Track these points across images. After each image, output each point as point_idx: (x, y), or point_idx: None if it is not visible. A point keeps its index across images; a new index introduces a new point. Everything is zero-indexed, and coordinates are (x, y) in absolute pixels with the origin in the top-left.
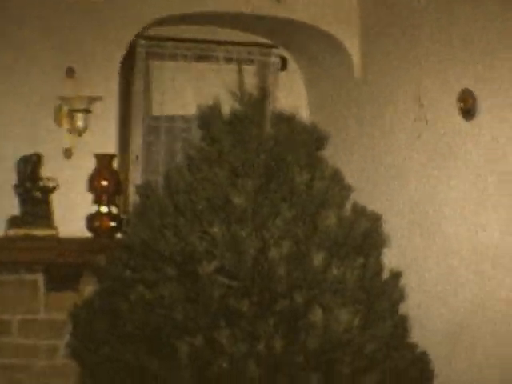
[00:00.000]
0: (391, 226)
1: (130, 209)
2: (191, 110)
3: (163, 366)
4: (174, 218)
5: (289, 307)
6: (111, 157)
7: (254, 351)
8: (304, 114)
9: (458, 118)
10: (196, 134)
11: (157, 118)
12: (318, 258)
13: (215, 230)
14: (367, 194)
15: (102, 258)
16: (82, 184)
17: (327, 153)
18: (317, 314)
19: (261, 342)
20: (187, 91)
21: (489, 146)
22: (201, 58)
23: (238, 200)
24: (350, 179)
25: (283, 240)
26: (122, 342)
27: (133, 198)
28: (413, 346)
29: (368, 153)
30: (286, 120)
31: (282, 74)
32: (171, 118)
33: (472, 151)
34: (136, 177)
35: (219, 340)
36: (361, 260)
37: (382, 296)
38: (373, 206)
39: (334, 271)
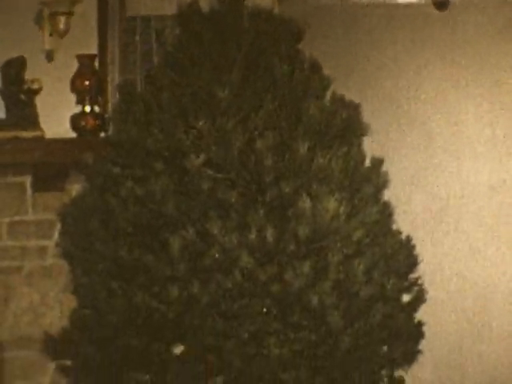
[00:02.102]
0: (370, 114)
1: (111, 108)
2: (167, 11)
3: (156, 260)
4: (159, 115)
5: (277, 197)
6: (92, 57)
7: (245, 241)
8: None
9: None
10: (171, 33)
11: (133, 19)
12: (302, 148)
13: (201, 124)
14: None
15: (89, 156)
16: (65, 85)
17: None
18: (305, 203)
19: (252, 232)
20: None
21: None
22: None
23: (221, 94)
24: (328, 70)
25: (268, 131)
26: (114, 238)
27: (112, 98)
28: (397, 232)
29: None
30: (264, 14)
31: None
32: (147, 18)
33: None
34: (114, 77)
35: (211, 231)
36: (344, 148)
37: (365, 183)
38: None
39: (319, 160)
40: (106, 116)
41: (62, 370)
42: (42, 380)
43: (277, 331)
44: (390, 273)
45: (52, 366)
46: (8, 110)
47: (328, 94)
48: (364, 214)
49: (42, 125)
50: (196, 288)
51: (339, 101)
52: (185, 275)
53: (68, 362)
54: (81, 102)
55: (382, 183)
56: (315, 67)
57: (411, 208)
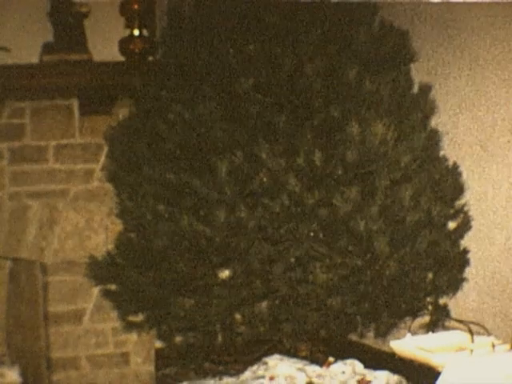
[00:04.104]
0: (420, 41)
1: (158, 32)
2: None
3: (203, 184)
4: (208, 38)
5: (326, 121)
6: None
7: (293, 165)
8: None
9: None
10: None
11: None
12: (351, 73)
13: (250, 47)
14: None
15: (137, 79)
16: (114, 9)
17: None
18: (353, 127)
19: (300, 156)
20: None
21: None
22: None
23: (271, 18)
24: None
25: (317, 56)
26: (161, 162)
27: (161, 22)
28: (444, 159)
29: None
30: None
31: None
32: None
33: None
34: (162, 1)
35: (258, 155)
36: (392, 74)
37: (413, 109)
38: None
39: (368, 85)
40: (155, 39)
41: (106, 294)
42: (86, 304)
43: (323, 256)
44: (436, 199)
45: (96, 290)
46: (56, 33)
47: (377, 20)
48: (411, 139)
49: (90, 48)
50: (243, 212)
51: (387, 27)
52: (232, 199)
53: (112, 287)
54: (129, 25)
55: (429, 110)
56: None
57: (458, 136)
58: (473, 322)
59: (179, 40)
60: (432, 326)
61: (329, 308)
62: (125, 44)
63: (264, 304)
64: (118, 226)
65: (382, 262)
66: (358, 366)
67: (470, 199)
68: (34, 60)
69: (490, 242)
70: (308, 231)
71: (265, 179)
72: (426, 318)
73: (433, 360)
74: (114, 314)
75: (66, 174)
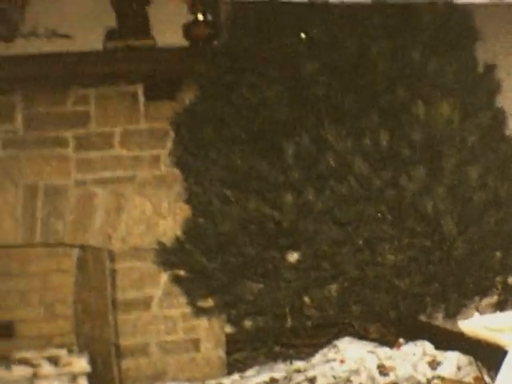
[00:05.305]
0: (484, 21)
1: (222, 16)
2: None
3: (270, 167)
4: (273, 22)
5: (391, 102)
6: None
7: (359, 146)
8: None
9: None
10: None
11: None
12: (416, 53)
13: (315, 31)
14: None
15: (201, 64)
16: None
17: None
18: (419, 107)
19: (366, 137)
20: None
21: None
22: None
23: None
24: None
25: (381, 37)
26: (228, 146)
27: (224, 6)
28: (510, 138)
29: None
30: None
31: None
32: None
33: None
34: None
35: (325, 137)
36: (456, 54)
37: (478, 88)
38: None
39: (432, 65)
40: (219, 24)
41: (175, 280)
42: (155, 291)
43: (391, 237)
44: (503, 178)
45: (164, 276)
46: (119, 19)
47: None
48: (477, 119)
49: (155, 33)
50: (310, 194)
51: (452, 6)
52: (299, 182)
53: (181, 272)
54: (193, 10)
55: (494, 89)
56: None
57: None
58: None
59: (243, 24)
60: (500, 306)
61: (397, 289)
62: (189, 29)
63: (333, 287)
64: (185, 211)
65: (449, 243)
66: (429, 347)
67: None
68: (98, 47)
69: None
70: (375, 212)
71: (331, 161)
72: (495, 298)
73: (501, 339)
74: (183, 299)
75: (133, 161)
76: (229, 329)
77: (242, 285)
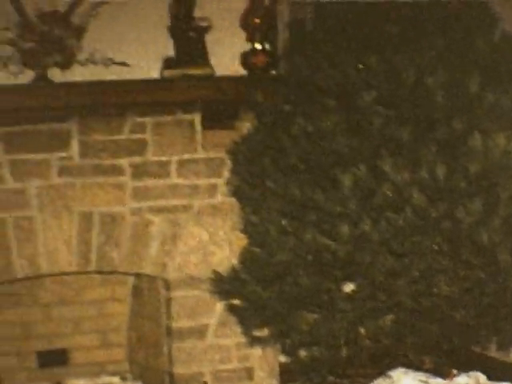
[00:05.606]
0: None
1: (280, 46)
2: None
3: (327, 197)
4: (330, 52)
5: (448, 134)
6: None
7: (416, 178)
8: None
9: None
10: None
11: None
12: (473, 85)
13: (372, 60)
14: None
15: (259, 93)
16: (235, 23)
17: None
18: (476, 139)
19: (423, 169)
20: None
21: None
22: None
23: (393, 29)
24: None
25: (438, 68)
26: (285, 176)
27: (282, 35)
28: None
29: None
30: None
31: None
32: None
33: None
34: (283, 15)
35: (382, 169)
36: None
37: None
38: None
39: (490, 97)
40: (277, 53)
41: (230, 309)
42: (210, 319)
43: (447, 269)
44: None
45: (219, 305)
46: (177, 47)
47: (497, 31)
48: None
49: (212, 62)
50: (367, 226)
51: (508, 37)
52: (356, 212)
53: (236, 301)
54: (251, 39)
55: None
56: (483, 4)
57: None
58: None
59: (301, 53)
60: None
61: (452, 320)
62: (247, 58)
63: (388, 317)
64: (241, 240)
65: (505, 274)
66: (482, 377)
67: None
68: (155, 75)
69: None
70: (432, 244)
71: (388, 192)
72: None
73: None
74: (238, 328)
75: (189, 189)
76: (283, 358)
77: (297, 315)
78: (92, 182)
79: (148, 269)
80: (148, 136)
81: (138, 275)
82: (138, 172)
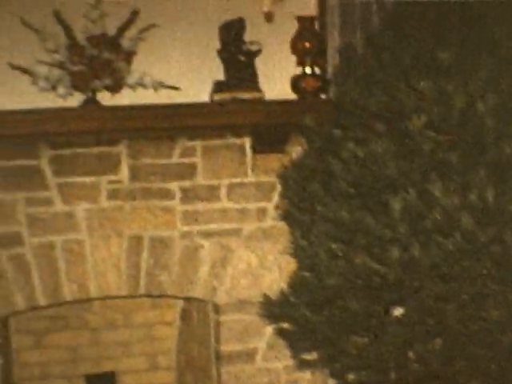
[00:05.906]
0: None
1: (330, 70)
2: None
3: (377, 222)
4: (381, 76)
5: (498, 157)
6: (312, 19)
7: (466, 202)
8: None
9: None
10: None
11: None
12: None
13: (422, 84)
14: None
15: (309, 118)
16: (285, 47)
17: None
18: None
19: (473, 193)
20: None
21: None
22: None
23: (443, 55)
24: None
25: (488, 92)
26: (335, 200)
27: (332, 60)
28: None
29: None
30: None
31: None
32: None
33: None
34: (334, 39)
35: (432, 193)
36: None
37: None
38: None
39: None
40: (327, 77)
41: (279, 333)
42: (259, 343)
43: (496, 293)
44: None
45: (269, 329)
46: (227, 71)
47: None
48: None
49: (262, 86)
50: (416, 250)
51: None
52: (405, 237)
53: (285, 325)
54: (301, 63)
55: None
56: None
57: None
58: None
59: (352, 78)
60: None
61: (501, 345)
62: (297, 82)
63: (437, 341)
64: (291, 264)
65: None
66: None
67: None
68: (205, 99)
69: None
70: (481, 268)
71: (438, 216)
72: None
73: None
74: (287, 352)
75: (239, 213)
76: (332, 382)
77: (346, 338)
78: (141, 206)
79: (197, 292)
80: (198, 160)
81: (187, 299)
82: (188, 196)
